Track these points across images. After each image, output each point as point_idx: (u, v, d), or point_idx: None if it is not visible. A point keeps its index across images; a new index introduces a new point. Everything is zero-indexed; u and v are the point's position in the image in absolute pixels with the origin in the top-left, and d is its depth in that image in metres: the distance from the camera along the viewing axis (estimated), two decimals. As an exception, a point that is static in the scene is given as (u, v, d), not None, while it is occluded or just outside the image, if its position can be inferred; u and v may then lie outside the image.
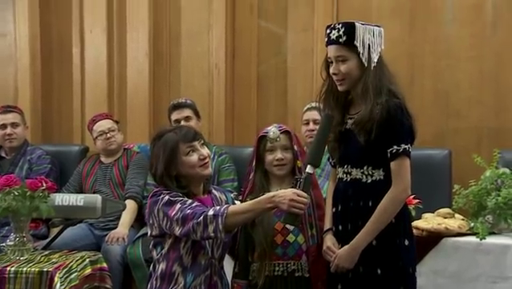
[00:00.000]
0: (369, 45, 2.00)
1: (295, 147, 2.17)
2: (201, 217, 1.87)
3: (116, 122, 3.63)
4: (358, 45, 1.99)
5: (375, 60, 2.00)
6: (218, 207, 1.93)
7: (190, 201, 1.97)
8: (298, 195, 1.85)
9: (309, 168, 1.94)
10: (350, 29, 2.01)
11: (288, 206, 1.84)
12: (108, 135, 3.50)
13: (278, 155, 2.16)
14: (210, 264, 2.03)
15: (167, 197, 1.97)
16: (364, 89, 2.00)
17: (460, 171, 3.20)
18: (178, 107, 3.47)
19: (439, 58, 3.52)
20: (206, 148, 2.09)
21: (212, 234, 1.87)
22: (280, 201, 1.85)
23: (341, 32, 2.01)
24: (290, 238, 2.13)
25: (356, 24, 2.01)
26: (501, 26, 3.40)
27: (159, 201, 1.98)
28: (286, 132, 2.18)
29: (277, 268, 2.13)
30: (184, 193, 2.02)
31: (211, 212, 1.88)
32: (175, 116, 3.46)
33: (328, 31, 2.06)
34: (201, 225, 1.87)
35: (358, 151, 2.02)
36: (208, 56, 3.97)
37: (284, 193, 1.86)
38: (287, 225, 2.10)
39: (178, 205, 1.93)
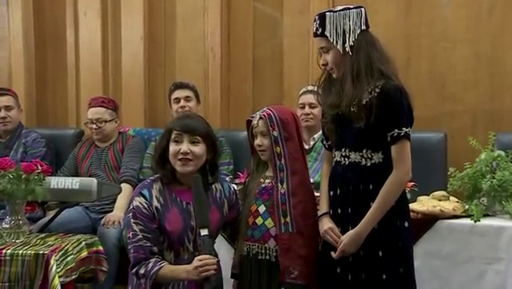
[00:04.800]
0: (344, 30, 2.00)
1: (274, 132, 2.12)
2: (134, 270, 2.00)
3: (114, 108, 3.56)
4: (328, 35, 2.01)
5: (351, 43, 1.99)
6: (151, 265, 1.97)
7: (138, 237, 1.99)
8: (201, 260, 1.92)
9: (203, 231, 1.94)
10: (322, 20, 2.03)
11: (198, 274, 1.91)
12: (94, 125, 3.47)
13: (257, 141, 2.17)
14: (194, 257, 2.01)
15: (130, 215, 2.03)
16: (349, 73, 2.00)
17: (455, 154, 3.20)
18: (180, 86, 3.50)
19: (435, 40, 3.51)
20: (196, 148, 2.04)
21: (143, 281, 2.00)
22: (190, 276, 1.94)
23: (317, 24, 2.05)
24: (259, 220, 2.13)
25: (326, 14, 2.03)
26: (497, 9, 3.38)
27: (131, 208, 2.05)
28: (263, 118, 2.15)
29: (245, 248, 2.15)
30: (173, 177, 2.07)
31: (142, 270, 1.97)
32: (176, 94, 3.48)
33: (312, 24, 2.08)
34: (134, 275, 2.02)
35: (356, 134, 2.01)
36: (203, 40, 3.95)
37: (192, 265, 1.94)
38: (259, 208, 2.14)
39: (130, 234, 2.02)
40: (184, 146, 2.03)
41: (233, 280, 2.24)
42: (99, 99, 3.58)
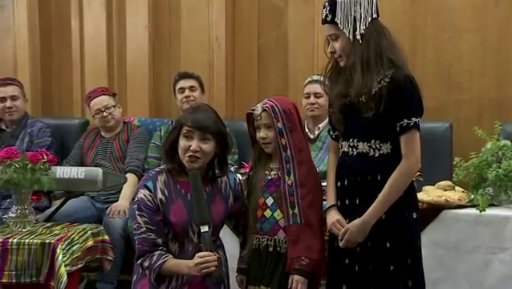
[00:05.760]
0: (355, 17, 1.97)
1: (278, 124, 2.10)
2: (139, 262, 2.03)
3: (114, 94, 3.61)
4: (338, 22, 1.98)
5: (362, 31, 1.97)
6: (155, 258, 1.98)
7: (142, 229, 2.01)
8: (201, 257, 1.92)
9: (203, 228, 1.94)
10: (332, 6, 2.00)
11: (199, 271, 1.92)
12: (105, 113, 3.48)
13: (261, 133, 2.14)
14: (199, 250, 2.00)
15: (135, 207, 2.05)
16: (359, 62, 1.97)
17: (461, 143, 3.19)
18: (185, 76, 3.49)
19: (441, 29, 3.49)
20: (206, 145, 2.02)
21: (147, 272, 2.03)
22: (191, 272, 1.95)
23: (327, 11, 2.01)
24: (267, 213, 2.12)
25: (337, 0, 1.99)
26: (504, -2, 3.36)
27: (136, 200, 2.06)
28: (266, 110, 2.12)
29: (255, 242, 2.14)
30: (181, 169, 2.06)
31: (146, 263, 2.00)
32: (181, 84, 3.47)
33: (321, 10, 2.05)
34: (139, 266, 2.05)
35: (365, 124, 1.99)
36: (208, 29, 3.94)
37: (193, 262, 1.94)
38: (267, 201, 2.12)
39: (135, 226, 2.04)
40: (194, 144, 2.01)
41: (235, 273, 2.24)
42: (98, 89, 3.58)
